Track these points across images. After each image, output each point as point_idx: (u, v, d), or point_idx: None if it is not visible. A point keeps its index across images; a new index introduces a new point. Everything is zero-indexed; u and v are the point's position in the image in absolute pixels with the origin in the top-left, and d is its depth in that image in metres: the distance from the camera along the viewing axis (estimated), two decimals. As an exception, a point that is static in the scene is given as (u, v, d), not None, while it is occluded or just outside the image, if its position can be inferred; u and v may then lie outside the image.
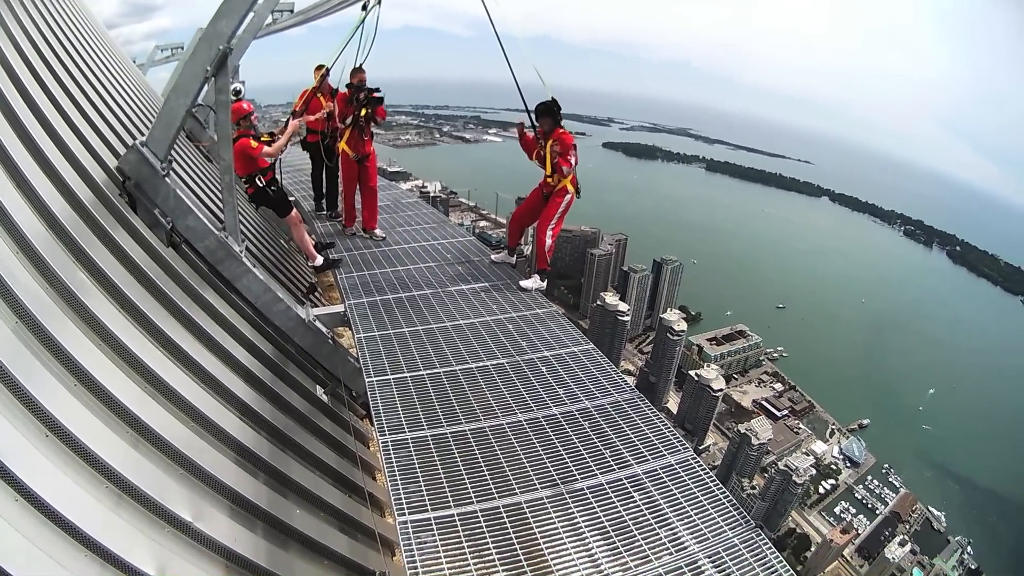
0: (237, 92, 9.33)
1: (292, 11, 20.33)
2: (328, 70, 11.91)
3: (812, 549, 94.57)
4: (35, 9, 9.41)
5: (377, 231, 12.74)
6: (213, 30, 7.10)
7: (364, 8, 10.40)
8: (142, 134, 8.51)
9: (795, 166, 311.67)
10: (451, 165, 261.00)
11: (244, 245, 8.59)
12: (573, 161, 9.75)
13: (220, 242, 8.17)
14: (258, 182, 9.94)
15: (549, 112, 9.81)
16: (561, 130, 9.81)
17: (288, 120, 10.69)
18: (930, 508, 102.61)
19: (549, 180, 10.14)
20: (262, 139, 9.79)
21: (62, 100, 7.83)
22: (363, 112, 11.65)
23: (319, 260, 11.02)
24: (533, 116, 10.03)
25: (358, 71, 11.62)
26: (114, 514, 4.26)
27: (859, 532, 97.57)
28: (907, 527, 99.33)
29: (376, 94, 11.59)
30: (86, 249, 5.72)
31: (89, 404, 4.67)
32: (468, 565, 4.62)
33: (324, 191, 14.33)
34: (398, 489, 5.34)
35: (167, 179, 7.62)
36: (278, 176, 10.43)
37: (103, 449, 4.39)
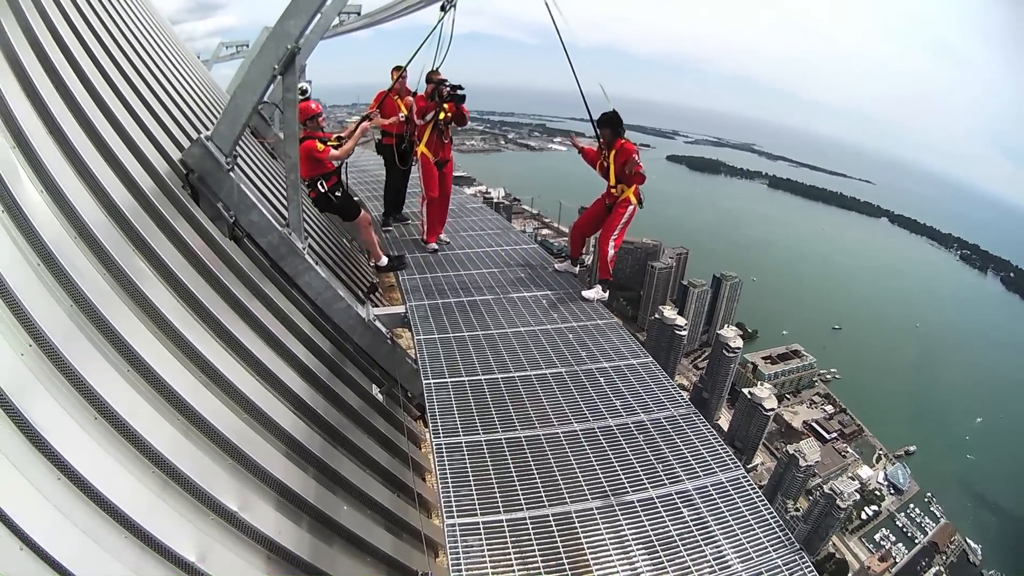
0: (303, 91, 9.32)
1: (359, 13, 20.48)
2: (405, 71, 11.69)
3: (849, 575, 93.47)
4: (99, 2, 9.52)
5: (441, 235, 12.47)
6: (281, 29, 7.17)
7: (443, 9, 10.38)
8: (206, 129, 8.61)
9: (856, 185, 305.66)
10: (515, 172, 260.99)
11: (307, 243, 8.63)
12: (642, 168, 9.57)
13: (283, 238, 8.24)
14: (320, 187, 9.70)
15: (610, 123, 9.76)
16: (623, 140, 9.74)
17: (358, 123, 10.58)
18: (968, 540, 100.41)
19: (612, 191, 10.06)
20: (329, 143, 9.55)
21: (126, 92, 7.93)
22: (442, 115, 11.26)
23: (384, 260, 10.82)
24: (595, 125, 9.97)
25: (435, 73, 11.31)
26: (159, 499, 4.29)
27: (896, 560, 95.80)
28: (944, 558, 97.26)
29: (459, 91, 11.15)
30: (146, 238, 5.78)
31: (141, 390, 4.71)
32: (512, 571, 4.58)
33: (395, 198, 13.87)
34: (448, 492, 5.32)
35: (231, 174, 7.72)
36: (343, 180, 10.24)
37: (153, 435, 4.43)
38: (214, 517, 4.71)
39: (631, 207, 9.91)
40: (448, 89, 11.04)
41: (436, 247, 11.97)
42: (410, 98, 11.95)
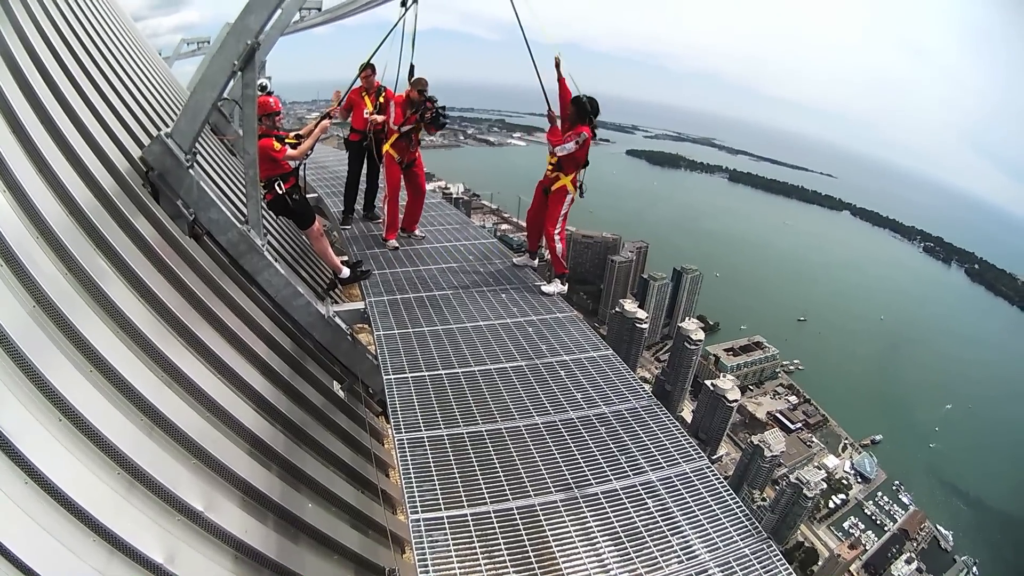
0: (263, 87, 9.20)
1: (320, 9, 20.41)
2: (371, 66, 11.50)
3: (819, 563, 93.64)
4: (63, 0, 9.45)
5: (417, 232, 12.50)
6: (241, 24, 7.12)
7: (403, 5, 10.27)
8: (167, 126, 8.54)
9: (817, 179, 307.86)
10: (474, 167, 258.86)
11: (266, 239, 8.59)
12: (571, 146, 9.51)
13: (242, 235, 8.22)
14: (277, 188, 9.31)
15: (576, 103, 9.58)
16: (585, 127, 9.53)
17: (318, 120, 10.05)
18: (938, 527, 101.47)
19: (549, 173, 10.10)
20: (286, 141, 9.26)
21: (87, 90, 7.88)
22: (419, 128, 11.28)
23: (345, 271, 10.29)
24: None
25: (422, 83, 11.08)
26: (125, 501, 4.28)
27: (867, 548, 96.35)
28: (914, 545, 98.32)
29: (444, 118, 11.17)
30: (107, 237, 5.76)
31: (104, 390, 4.70)
32: (479, 565, 4.59)
33: (365, 195, 13.58)
34: (412, 487, 5.30)
35: (191, 171, 7.69)
36: (302, 181, 9.97)
37: (116, 435, 4.42)
38: (180, 518, 4.72)
39: (568, 195, 9.95)
40: (432, 113, 10.98)
41: (396, 244, 11.86)
42: (390, 92, 11.79)
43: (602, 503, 5.33)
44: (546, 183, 10.20)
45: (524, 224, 12.18)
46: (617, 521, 5.13)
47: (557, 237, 10.20)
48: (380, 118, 11.59)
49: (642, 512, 5.26)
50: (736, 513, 5.36)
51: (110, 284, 5.42)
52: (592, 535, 4.97)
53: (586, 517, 5.16)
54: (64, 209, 5.48)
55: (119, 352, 5.06)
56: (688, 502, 5.44)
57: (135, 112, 9.56)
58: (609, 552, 4.81)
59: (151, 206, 7.15)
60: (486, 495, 5.32)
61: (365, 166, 12.91)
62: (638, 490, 5.53)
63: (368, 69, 11.61)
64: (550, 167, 10.07)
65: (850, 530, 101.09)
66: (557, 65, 9.76)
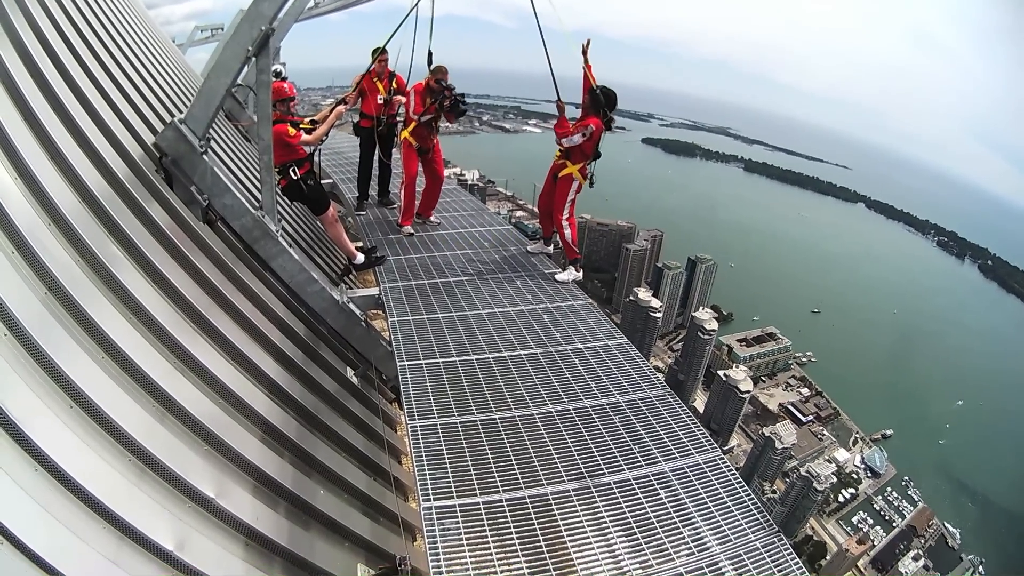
0: (277, 73, 9.17)
1: (335, -4, 20.37)
2: (385, 51, 11.44)
3: (827, 558, 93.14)
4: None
5: (432, 218, 12.46)
6: (255, 11, 7.11)
7: None
8: (180, 112, 8.52)
9: (833, 170, 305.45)
10: (490, 154, 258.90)
11: (280, 225, 8.56)
12: (577, 139, 9.57)
13: (256, 221, 8.22)
14: (292, 174, 9.18)
15: (591, 94, 9.56)
16: (595, 118, 9.56)
17: (333, 106, 10.08)
18: (946, 524, 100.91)
19: (557, 161, 10.14)
20: (301, 126, 9.18)
21: (100, 76, 7.88)
22: (438, 117, 11.27)
23: (360, 258, 10.22)
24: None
25: (442, 73, 11.06)
26: (136, 488, 4.28)
27: (875, 543, 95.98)
28: (922, 542, 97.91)
29: (463, 105, 11.13)
30: (120, 223, 5.76)
31: (116, 377, 4.70)
32: (490, 554, 4.57)
33: (379, 181, 13.58)
34: (424, 474, 5.30)
35: (205, 157, 7.68)
36: (316, 168, 9.95)
37: (128, 422, 4.42)
38: (191, 504, 4.71)
39: (574, 182, 9.96)
40: (451, 102, 10.96)
41: (411, 231, 11.80)
42: (400, 78, 11.90)
43: (614, 493, 5.31)
44: (555, 169, 10.21)
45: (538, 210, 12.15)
46: (629, 511, 5.11)
47: (566, 223, 10.20)
48: (402, 98, 11.54)
49: (654, 502, 5.23)
50: (748, 505, 5.33)
51: (123, 271, 5.41)
52: (603, 525, 4.96)
53: (598, 507, 5.14)
54: (77, 196, 5.48)
55: (131, 339, 5.06)
56: (700, 493, 5.41)
57: (148, 98, 9.55)
58: (620, 542, 4.80)
59: (164, 192, 7.16)
60: (499, 483, 5.31)
61: (378, 151, 12.82)
62: (650, 480, 5.50)
63: (384, 54, 11.56)
64: (558, 154, 10.06)
65: (859, 525, 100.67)
66: (584, 51, 9.58)
